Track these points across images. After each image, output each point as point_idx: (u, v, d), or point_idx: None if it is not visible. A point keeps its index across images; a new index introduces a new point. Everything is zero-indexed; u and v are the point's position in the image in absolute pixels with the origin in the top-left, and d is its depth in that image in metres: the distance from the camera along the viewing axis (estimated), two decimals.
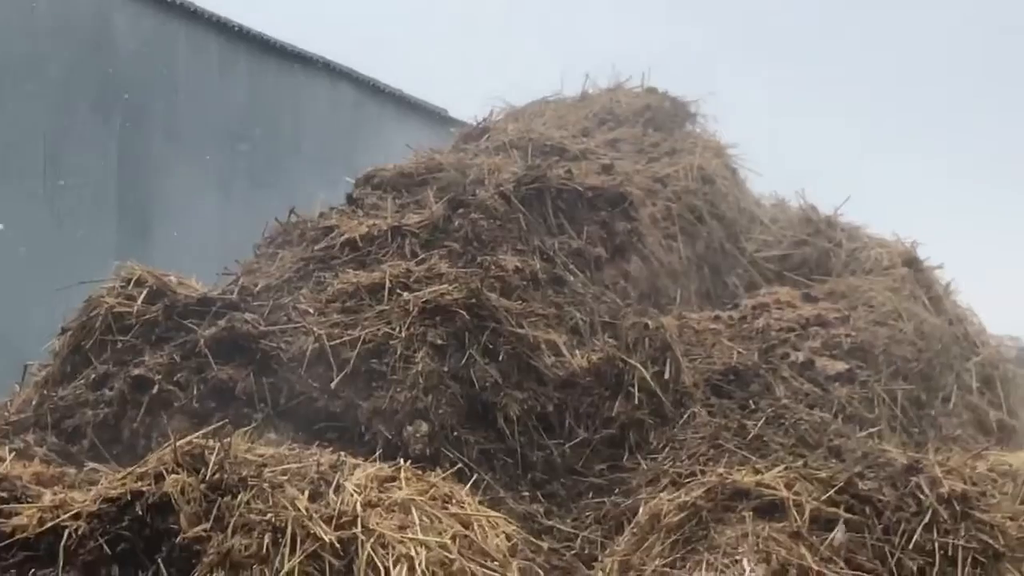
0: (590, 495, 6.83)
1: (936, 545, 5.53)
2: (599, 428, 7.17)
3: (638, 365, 7.36)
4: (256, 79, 21.33)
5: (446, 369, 6.90)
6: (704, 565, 5.41)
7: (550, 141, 10.67)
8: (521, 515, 6.31)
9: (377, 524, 4.89)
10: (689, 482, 6.12)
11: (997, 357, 10.75)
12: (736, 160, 11.91)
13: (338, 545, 4.77)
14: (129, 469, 5.19)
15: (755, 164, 12.06)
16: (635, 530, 5.90)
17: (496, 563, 5.07)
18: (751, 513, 5.63)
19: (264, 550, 4.71)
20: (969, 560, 5.51)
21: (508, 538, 5.38)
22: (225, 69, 20.70)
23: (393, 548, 4.80)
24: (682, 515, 5.73)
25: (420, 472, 5.57)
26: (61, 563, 4.78)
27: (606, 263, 8.99)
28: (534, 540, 6.00)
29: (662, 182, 10.56)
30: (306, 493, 4.99)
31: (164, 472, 5.00)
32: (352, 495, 5.02)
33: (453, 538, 5.01)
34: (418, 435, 6.54)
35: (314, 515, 4.84)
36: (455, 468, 6.19)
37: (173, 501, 4.87)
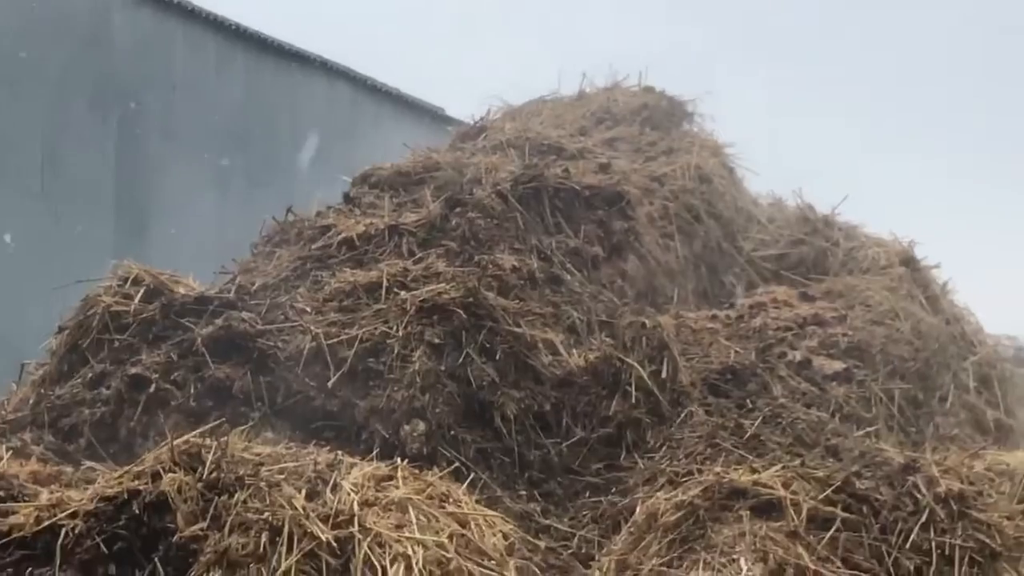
0: (587, 494, 6.82)
1: (933, 544, 5.54)
2: (596, 427, 7.17)
3: (635, 364, 7.36)
4: (253, 78, 21.32)
5: (443, 368, 6.89)
6: (701, 564, 5.41)
7: (547, 140, 10.67)
8: (518, 514, 6.31)
9: (374, 523, 4.89)
10: (686, 481, 6.13)
11: (994, 356, 10.76)
12: (733, 159, 11.92)
13: (335, 544, 4.76)
14: (126, 468, 5.19)
15: (753, 163, 12.07)
16: (632, 529, 5.90)
17: (493, 562, 5.07)
18: (748, 512, 5.64)
19: (261, 549, 4.71)
20: (966, 559, 5.52)
21: (505, 537, 5.38)
22: (222, 68, 20.70)
23: (390, 547, 4.80)
24: (679, 514, 5.74)
25: (417, 471, 5.57)
26: (58, 562, 4.77)
27: (603, 262, 8.99)
28: (531, 539, 6.00)
29: (659, 181, 10.56)
30: (303, 492, 4.98)
31: (161, 471, 4.99)
32: (349, 494, 5.02)
33: (450, 537, 5.01)
34: (415, 434, 6.54)
35: (311, 514, 4.84)
36: (452, 467, 6.18)
37: (170, 500, 4.87)
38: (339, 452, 5.62)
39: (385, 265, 7.68)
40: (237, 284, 7.87)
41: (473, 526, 5.21)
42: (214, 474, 4.99)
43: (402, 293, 7.26)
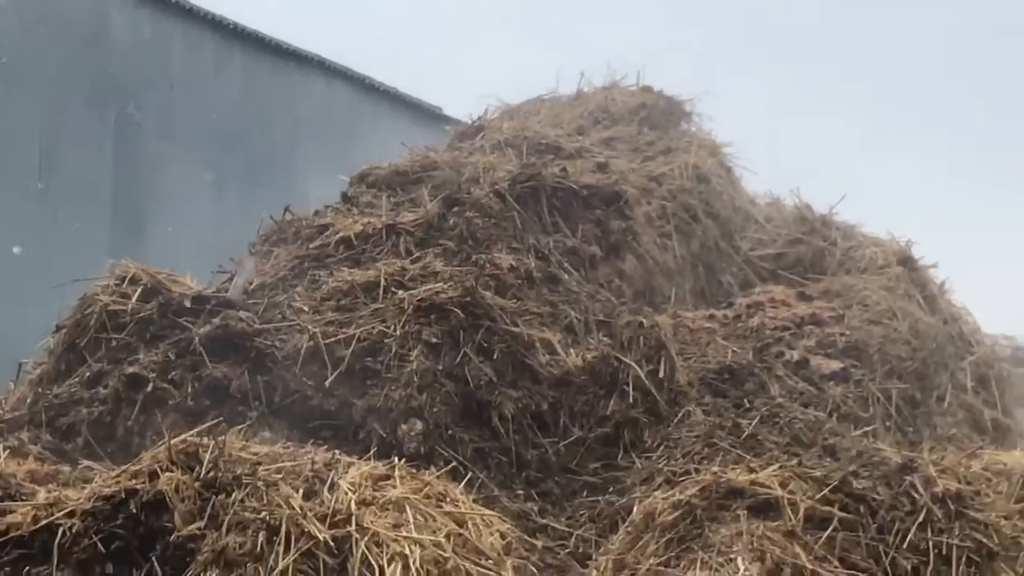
0: (584, 494, 6.83)
1: (930, 544, 5.54)
2: (594, 427, 7.17)
3: (633, 364, 7.37)
4: (251, 77, 21.32)
5: (441, 367, 6.89)
6: (698, 564, 5.41)
7: (545, 139, 10.68)
8: (515, 513, 6.31)
9: (371, 522, 4.89)
10: (684, 481, 6.13)
11: (992, 356, 10.78)
12: (731, 159, 11.93)
13: (332, 543, 4.76)
14: (123, 467, 5.18)
15: (752, 163, 12.09)
16: (629, 529, 5.90)
17: (490, 561, 5.07)
18: (745, 512, 5.64)
19: (258, 548, 4.71)
20: (963, 559, 5.53)
21: (502, 536, 5.39)
22: (220, 67, 20.69)
23: (387, 546, 4.80)
24: (676, 514, 5.74)
25: (414, 470, 5.57)
26: (55, 561, 4.77)
27: (601, 261, 8.99)
28: (528, 539, 6.00)
29: (657, 181, 10.56)
30: (300, 491, 4.98)
31: (158, 470, 4.99)
32: (346, 493, 5.02)
33: (447, 536, 5.01)
34: (412, 433, 6.54)
35: (308, 513, 4.84)
36: (449, 466, 6.19)
37: (167, 499, 4.87)
38: (336, 451, 5.62)
39: (383, 264, 7.68)
40: (234, 283, 7.86)
41: (470, 525, 5.21)
42: (211, 473, 4.99)
43: (400, 292, 7.26)
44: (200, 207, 19.37)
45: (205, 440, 5.20)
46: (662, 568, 5.52)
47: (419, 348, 6.89)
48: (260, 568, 4.67)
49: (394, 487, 5.24)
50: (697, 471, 6.28)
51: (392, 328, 6.99)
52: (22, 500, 5.08)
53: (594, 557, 6.04)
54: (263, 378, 6.74)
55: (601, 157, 10.45)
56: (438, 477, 5.59)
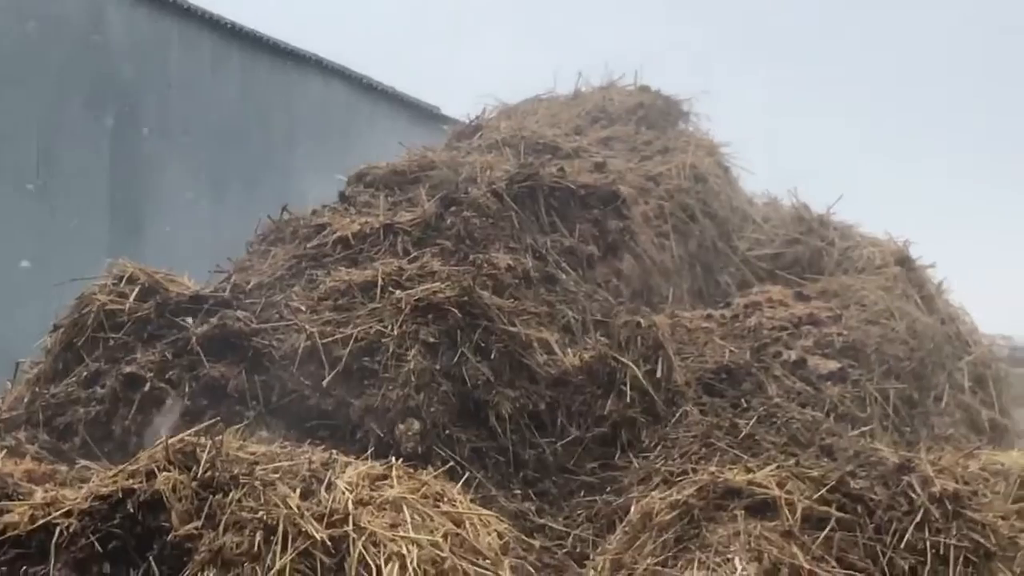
0: (582, 493, 6.82)
1: (928, 544, 5.54)
2: (591, 426, 7.17)
3: (630, 363, 7.36)
4: (249, 76, 21.31)
5: (438, 367, 6.89)
6: (696, 564, 5.41)
7: (543, 139, 10.69)
8: (513, 513, 6.31)
9: (369, 522, 4.89)
10: (681, 481, 6.13)
11: (989, 356, 10.79)
12: (729, 159, 11.93)
13: (329, 543, 4.76)
14: (121, 467, 5.18)
15: (751, 163, 12.10)
16: (627, 528, 5.90)
17: (488, 561, 5.07)
18: (743, 512, 5.63)
19: (256, 548, 4.71)
20: (961, 559, 5.53)
21: (500, 536, 5.39)
22: (218, 66, 20.69)
23: (385, 546, 4.80)
24: (674, 513, 5.74)
25: (412, 470, 5.57)
26: (53, 560, 4.77)
27: (598, 261, 8.99)
28: (526, 538, 5.99)
29: (655, 180, 10.56)
30: (298, 491, 4.98)
31: (156, 470, 4.99)
32: (344, 493, 5.02)
33: (445, 536, 5.01)
34: (410, 433, 6.54)
35: (306, 513, 4.84)
36: (447, 466, 6.19)
37: (164, 499, 4.87)
38: (334, 451, 5.61)
39: (380, 264, 7.67)
40: (232, 283, 7.86)
41: (468, 525, 5.21)
42: (209, 473, 4.99)
43: (397, 292, 7.26)
44: (198, 206, 19.36)
45: (202, 440, 5.20)
46: (659, 568, 5.52)
47: (416, 348, 6.88)
48: (257, 568, 4.67)
49: (391, 487, 5.23)
50: (694, 471, 6.28)
51: (389, 328, 6.98)
52: (19, 500, 5.08)
53: (591, 557, 6.04)
54: (260, 378, 6.74)
55: (599, 157, 10.45)
56: (435, 477, 5.58)
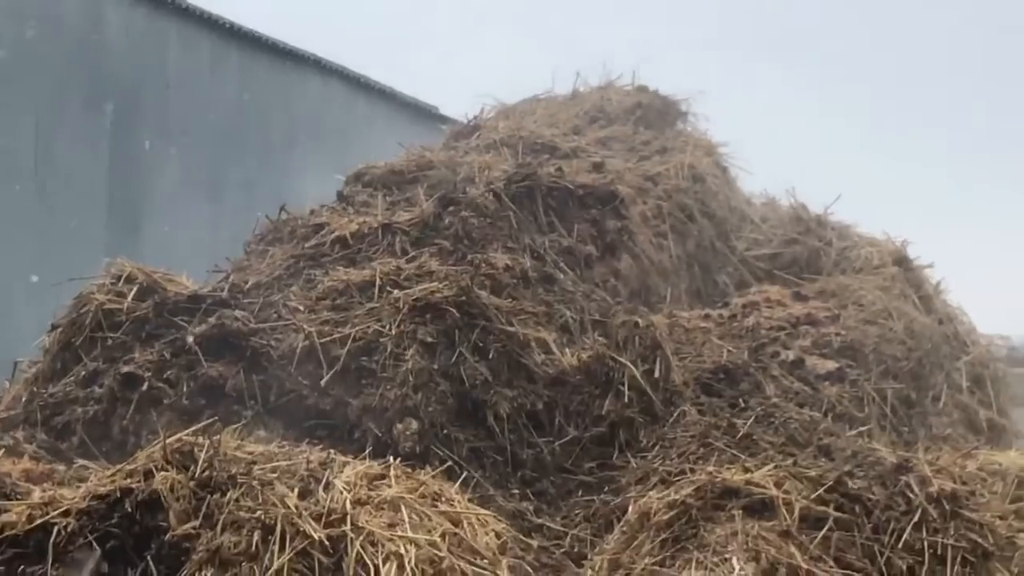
0: (580, 493, 6.82)
1: (925, 544, 5.54)
2: (589, 426, 7.16)
3: (628, 363, 7.36)
4: (247, 76, 21.32)
5: (436, 367, 6.89)
6: (693, 563, 5.41)
7: (541, 139, 10.69)
8: (511, 513, 6.31)
9: (367, 522, 4.89)
10: (679, 480, 6.12)
11: (987, 356, 10.79)
12: (727, 158, 11.94)
13: (327, 543, 4.76)
14: (118, 466, 5.18)
15: (750, 163, 12.10)
16: (625, 528, 5.90)
17: (485, 561, 5.07)
18: (741, 512, 5.63)
19: (253, 548, 4.71)
20: (958, 559, 5.52)
21: (497, 536, 5.39)
22: (216, 66, 20.70)
23: (382, 546, 4.80)
24: (672, 513, 5.73)
25: (410, 470, 5.57)
26: (50, 560, 4.77)
27: (596, 261, 8.99)
28: (524, 538, 5.99)
29: (653, 180, 10.57)
30: (296, 491, 4.98)
31: (153, 469, 4.99)
32: (342, 493, 5.02)
33: (443, 536, 5.01)
34: (408, 433, 6.53)
35: (303, 513, 4.84)
36: (445, 466, 6.18)
37: (162, 498, 4.87)
38: (332, 451, 5.62)
39: (378, 264, 7.67)
40: (230, 283, 7.85)
41: (466, 525, 5.21)
42: (206, 472, 4.99)
43: (395, 292, 7.26)
44: (196, 206, 19.37)
45: (200, 439, 5.20)
46: (657, 568, 5.52)
47: (414, 347, 6.88)
48: (255, 567, 4.67)
49: (389, 486, 5.24)
50: (692, 471, 6.27)
51: (387, 327, 6.98)
52: (17, 499, 5.07)
53: (589, 557, 6.03)
54: (258, 377, 6.74)
55: (597, 157, 10.46)
56: (433, 477, 5.58)
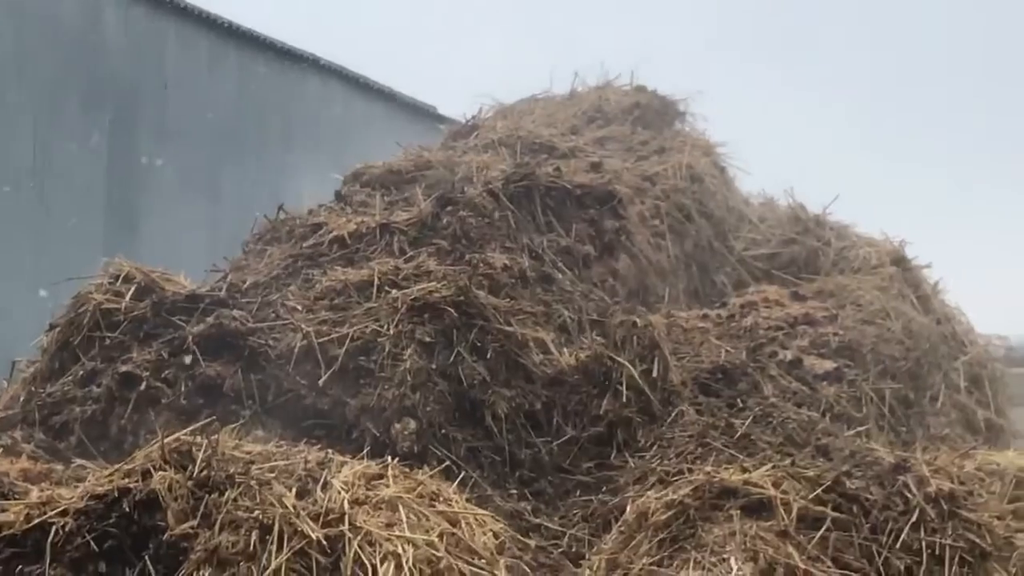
0: (578, 493, 6.82)
1: (923, 544, 5.54)
2: (587, 426, 7.17)
3: (626, 363, 7.36)
4: (246, 76, 21.32)
5: (434, 366, 6.89)
6: (691, 563, 5.41)
7: (539, 139, 10.69)
8: (508, 513, 6.31)
9: (364, 522, 4.89)
10: (677, 480, 6.12)
11: (985, 356, 10.78)
12: (725, 158, 11.93)
13: (325, 542, 4.76)
14: (116, 466, 5.18)
15: (749, 163, 12.10)
16: (622, 528, 5.90)
17: (483, 561, 5.07)
18: (739, 511, 5.63)
19: (251, 547, 4.71)
20: (956, 559, 5.52)
21: (495, 536, 5.38)
22: (215, 66, 20.69)
23: (380, 546, 4.80)
24: (669, 513, 5.73)
25: (408, 470, 5.57)
26: (48, 560, 4.77)
27: (594, 261, 8.99)
28: (521, 538, 5.99)
29: (651, 180, 10.56)
30: (293, 490, 4.98)
31: (151, 469, 4.99)
32: (339, 492, 5.02)
33: (440, 536, 5.01)
34: (406, 432, 6.53)
35: (301, 512, 4.84)
36: (443, 466, 6.17)
37: (160, 498, 4.87)
38: (330, 450, 5.62)
39: (376, 263, 7.67)
40: (228, 282, 7.85)
41: (463, 525, 5.21)
42: (204, 472, 4.98)
43: (393, 291, 7.26)
44: (194, 205, 19.36)
45: (198, 439, 5.19)
46: (655, 568, 5.52)
47: (412, 347, 6.88)
48: (253, 567, 4.67)
49: (387, 486, 5.24)
50: (690, 471, 6.27)
51: (385, 327, 6.98)
52: (15, 499, 5.08)
53: (587, 556, 6.03)
54: (256, 377, 6.74)
55: (595, 156, 10.45)
56: (431, 476, 5.58)
